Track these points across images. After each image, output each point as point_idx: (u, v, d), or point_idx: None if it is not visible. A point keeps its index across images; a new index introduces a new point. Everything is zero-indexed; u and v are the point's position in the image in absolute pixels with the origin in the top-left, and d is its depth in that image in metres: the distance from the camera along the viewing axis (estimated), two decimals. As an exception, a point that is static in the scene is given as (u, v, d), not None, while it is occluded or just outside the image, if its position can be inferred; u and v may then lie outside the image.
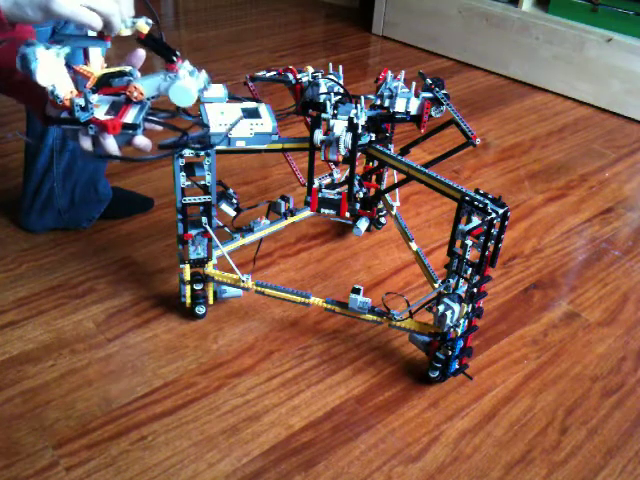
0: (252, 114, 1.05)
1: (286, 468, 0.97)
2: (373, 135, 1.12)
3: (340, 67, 1.20)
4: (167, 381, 1.10)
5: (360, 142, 1.08)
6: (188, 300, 1.21)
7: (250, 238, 1.32)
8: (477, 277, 1.00)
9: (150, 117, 0.82)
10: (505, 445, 1.03)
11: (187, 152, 1.03)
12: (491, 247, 0.97)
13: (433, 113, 1.15)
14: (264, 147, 1.10)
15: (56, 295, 1.26)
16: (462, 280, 1.03)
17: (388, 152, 1.11)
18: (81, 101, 0.76)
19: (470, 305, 1.03)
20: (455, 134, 1.25)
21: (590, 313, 1.31)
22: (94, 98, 0.79)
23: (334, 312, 1.14)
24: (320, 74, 1.15)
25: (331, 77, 1.15)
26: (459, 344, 1.08)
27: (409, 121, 1.16)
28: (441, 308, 1.03)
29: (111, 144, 0.80)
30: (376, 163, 1.35)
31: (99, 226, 1.45)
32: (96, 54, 0.82)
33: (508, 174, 1.77)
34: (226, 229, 1.26)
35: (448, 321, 1.02)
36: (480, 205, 0.95)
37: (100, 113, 0.79)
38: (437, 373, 1.10)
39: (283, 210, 1.35)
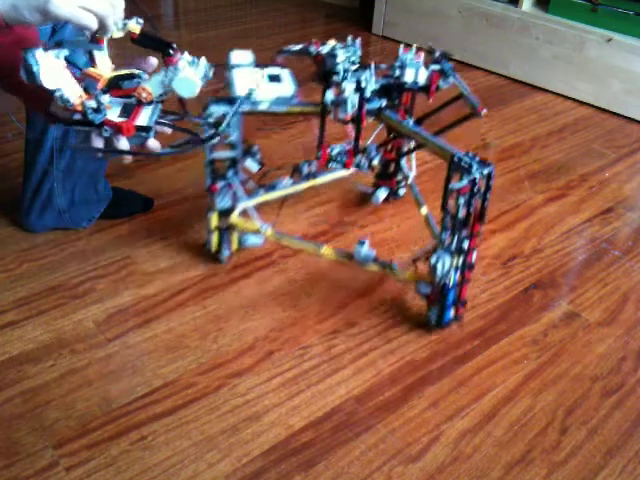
0: (275, 79, 1.16)
1: (286, 468, 0.97)
2: (384, 102, 1.22)
3: (358, 40, 1.22)
4: (167, 381, 1.10)
5: (371, 106, 1.19)
6: (214, 246, 1.33)
7: (272, 195, 1.38)
8: (465, 231, 1.10)
9: (160, 120, 0.83)
10: (505, 445, 1.03)
11: (216, 112, 1.12)
12: (479, 204, 1.07)
13: (441, 84, 1.22)
14: (285, 110, 1.20)
15: (56, 295, 1.26)
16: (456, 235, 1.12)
17: (395, 117, 1.23)
18: (93, 103, 0.77)
19: (461, 258, 1.13)
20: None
21: (590, 313, 1.31)
22: (105, 99, 0.79)
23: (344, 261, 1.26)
24: (339, 46, 1.21)
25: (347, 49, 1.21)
26: (451, 293, 1.17)
27: (418, 91, 1.24)
28: (433, 260, 1.13)
29: (124, 146, 0.81)
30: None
31: (99, 226, 1.45)
32: (103, 56, 0.82)
33: (508, 174, 1.77)
34: (250, 184, 1.33)
35: (439, 272, 1.13)
36: (465, 165, 1.05)
37: (113, 115, 0.80)
38: (434, 318, 1.21)
39: (305, 172, 1.41)
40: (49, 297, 1.26)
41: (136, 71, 0.82)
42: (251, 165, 1.29)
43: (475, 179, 1.04)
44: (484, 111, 1.16)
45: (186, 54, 0.83)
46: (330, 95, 1.17)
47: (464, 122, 1.20)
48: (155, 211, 1.52)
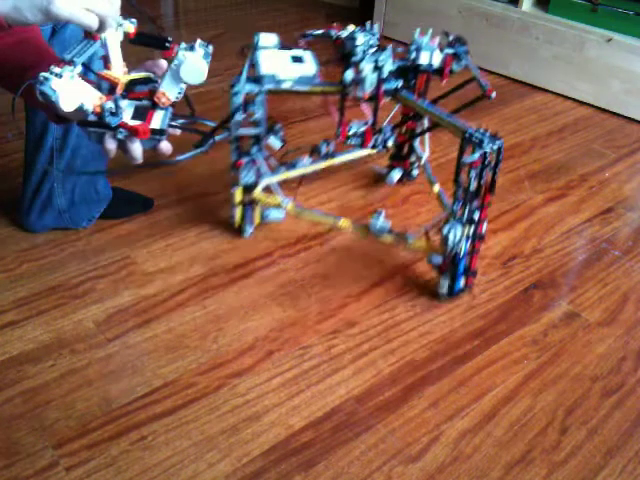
0: (298, 60, 1.25)
1: (286, 468, 0.97)
2: (400, 83, 1.31)
3: (376, 25, 1.31)
4: (167, 381, 1.10)
5: (388, 87, 1.29)
6: (238, 220, 1.42)
7: (293, 173, 1.46)
8: (476, 203, 1.18)
9: (172, 122, 0.83)
10: (505, 445, 1.03)
11: (243, 90, 1.23)
12: (489, 177, 1.15)
13: (454, 67, 1.31)
14: (307, 89, 1.29)
15: (56, 295, 1.26)
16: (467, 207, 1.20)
17: (410, 97, 1.32)
18: (112, 106, 0.77)
19: (472, 228, 1.21)
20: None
21: (590, 313, 1.31)
22: (124, 103, 0.80)
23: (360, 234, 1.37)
24: (358, 30, 1.28)
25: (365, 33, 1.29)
26: (462, 263, 1.24)
27: (432, 73, 1.32)
28: (445, 230, 1.20)
29: (137, 149, 0.81)
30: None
31: (99, 226, 1.45)
32: (117, 58, 0.82)
33: (508, 174, 1.77)
34: (271, 161, 1.40)
35: (450, 241, 1.19)
36: (477, 140, 1.12)
37: (127, 117, 0.80)
38: (444, 288, 1.28)
39: (324, 152, 1.48)
40: (49, 297, 1.26)
41: (151, 75, 0.83)
42: (274, 142, 1.36)
43: (486, 153, 1.12)
44: (493, 94, 1.22)
45: (182, 44, 0.83)
46: (350, 74, 1.24)
47: (475, 104, 1.26)
48: (155, 211, 1.52)
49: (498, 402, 1.10)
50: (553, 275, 1.41)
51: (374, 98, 1.28)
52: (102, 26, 0.76)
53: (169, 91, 0.82)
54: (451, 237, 1.19)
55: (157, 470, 0.96)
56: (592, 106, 2.19)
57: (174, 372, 1.12)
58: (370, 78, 1.24)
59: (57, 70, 0.75)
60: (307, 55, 1.28)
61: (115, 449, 0.98)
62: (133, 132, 0.80)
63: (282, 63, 1.24)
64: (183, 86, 0.83)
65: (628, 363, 1.20)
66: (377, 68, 1.23)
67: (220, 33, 2.63)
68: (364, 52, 1.23)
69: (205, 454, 0.99)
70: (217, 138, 0.86)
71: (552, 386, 1.14)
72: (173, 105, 0.84)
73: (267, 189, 1.39)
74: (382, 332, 1.23)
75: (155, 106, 0.82)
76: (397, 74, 1.29)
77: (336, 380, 1.12)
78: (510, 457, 1.01)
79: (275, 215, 1.45)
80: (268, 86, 1.24)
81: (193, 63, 0.80)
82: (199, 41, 0.84)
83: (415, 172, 1.67)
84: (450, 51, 1.30)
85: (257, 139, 1.33)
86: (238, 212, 1.41)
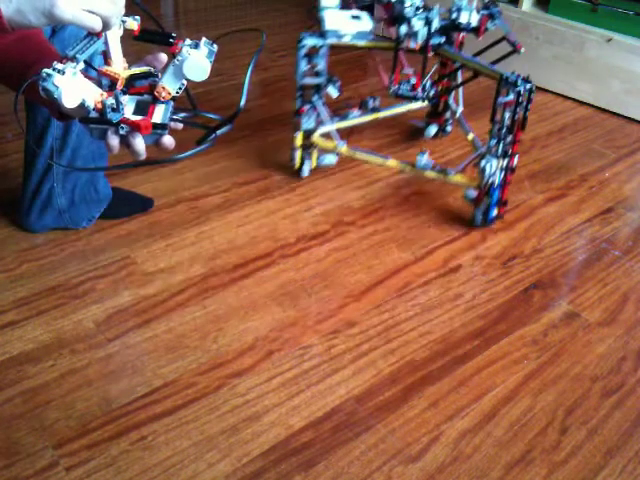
0: (356, 18, 1.47)
1: (286, 468, 0.97)
2: (443, 39, 1.51)
3: None
4: (167, 381, 1.10)
5: (433, 41, 1.49)
6: (297, 162, 1.62)
7: (344, 123, 1.68)
8: (510, 138, 1.37)
9: (173, 117, 0.83)
10: (505, 445, 1.03)
11: (309, 43, 1.48)
12: (521, 115, 1.34)
13: (489, 25, 1.50)
14: (363, 44, 1.52)
15: (56, 295, 1.26)
16: (501, 144, 1.39)
17: (452, 50, 1.53)
18: (113, 102, 0.77)
19: (505, 161, 1.41)
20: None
21: (590, 313, 1.31)
22: (125, 99, 0.80)
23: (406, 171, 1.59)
24: None
25: None
26: (496, 193, 1.45)
27: (469, 31, 1.51)
28: (482, 163, 1.40)
29: (140, 144, 0.81)
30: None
31: (99, 226, 1.45)
32: (117, 54, 0.82)
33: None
34: (326, 114, 1.59)
35: (487, 173, 1.39)
36: (511, 81, 1.33)
37: (128, 113, 0.80)
38: (479, 218, 1.50)
39: (371, 106, 1.69)
40: (49, 297, 1.26)
41: (152, 69, 0.83)
42: (332, 91, 1.57)
43: (520, 92, 1.31)
44: (522, 49, 1.45)
45: (187, 40, 0.83)
46: (404, 29, 1.45)
47: (507, 58, 1.46)
48: (155, 211, 1.52)
49: (498, 402, 1.10)
50: (553, 275, 1.41)
51: (423, 50, 1.49)
52: (106, 27, 0.77)
53: (169, 85, 0.82)
54: (487, 169, 1.39)
55: (157, 470, 0.96)
56: (592, 106, 2.19)
57: (174, 372, 1.12)
58: (421, 32, 1.45)
59: (60, 66, 0.75)
60: (364, 14, 1.48)
61: (115, 449, 0.98)
62: (135, 127, 0.80)
63: (343, 20, 1.46)
64: (184, 81, 0.83)
65: (628, 363, 1.20)
66: (427, 24, 1.44)
67: (220, 33, 2.63)
68: (415, 11, 1.44)
69: (205, 454, 0.99)
70: (219, 132, 0.85)
71: (552, 386, 1.14)
72: (174, 99, 0.84)
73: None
74: (382, 332, 1.23)
75: (156, 100, 0.82)
76: (441, 32, 1.50)
77: (336, 380, 1.12)
78: (510, 457, 1.01)
79: (329, 160, 1.65)
80: (331, 40, 1.48)
81: (196, 60, 0.80)
82: (204, 39, 0.84)
83: (449, 128, 1.90)
84: (485, 12, 1.48)
85: (318, 88, 1.56)
86: (298, 155, 1.62)
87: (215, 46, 0.84)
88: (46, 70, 0.74)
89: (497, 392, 1.12)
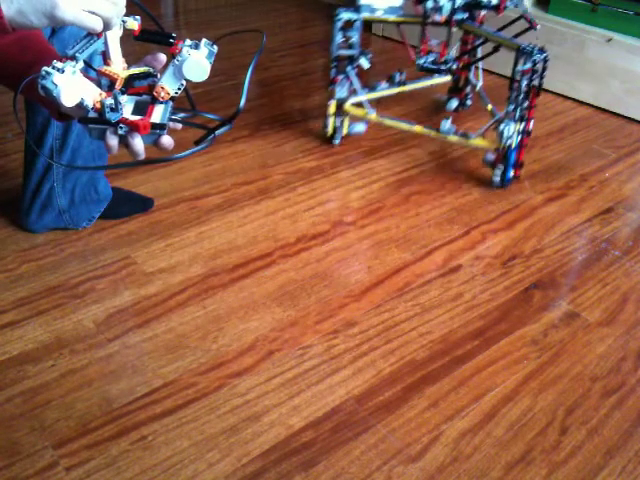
0: None
1: (286, 468, 0.97)
2: (466, 15, 1.67)
3: None
4: (167, 381, 1.10)
5: (457, 17, 1.65)
6: (330, 129, 1.78)
7: (374, 94, 1.81)
8: (527, 103, 1.54)
9: (172, 117, 0.83)
10: (505, 445, 1.03)
11: (344, 16, 1.65)
12: (537, 83, 1.52)
13: (508, 4, 1.66)
14: (393, 18, 1.70)
15: (56, 295, 1.26)
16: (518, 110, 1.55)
17: (473, 24, 1.69)
18: (112, 102, 0.77)
19: (522, 125, 1.56)
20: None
21: (590, 313, 1.31)
22: (123, 99, 0.80)
23: (431, 135, 1.73)
24: None
25: None
26: (513, 155, 1.61)
27: (490, 8, 1.66)
28: (501, 126, 1.56)
29: (139, 144, 0.81)
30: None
31: (99, 226, 1.45)
32: (117, 54, 0.82)
33: (508, 174, 1.77)
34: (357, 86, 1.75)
35: (505, 136, 1.55)
36: (528, 50, 1.50)
37: (127, 113, 0.80)
38: (497, 179, 1.65)
39: (397, 80, 1.86)
40: (49, 297, 1.26)
41: (151, 70, 0.83)
42: (364, 63, 1.72)
43: (536, 60, 1.50)
44: (538, 26, 1.65)
45: (187, 40, 0.83)
46: (430, 3, 1.61)
47: (524, 34, 1.65)
48: (155, 211, 1.52)
49: (498, 402, 1.10)
50: (553, 275, 1.41)
51: (447, 23, 1.65)
52: (106, 27, 0.77)
53: (168, 85, 0.82)
54: (505, 132, 1.55)
55: (157, 470, 0.96)
56: (592, 106, 2.19)
57: (174, 372, 1.12)
58: (446, 6, 1.62)
59: (59, 65, 0.75)
60: None
61: (115, 449, 0.98)
62: (134, 127, 0.80)
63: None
64: (183, 82, 0.83)
65: (628, 363, 1.20)
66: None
67: (220, 33, 2.63)
68: None
69: (205, 454, 0.99)
70: (217, 133, 0.85)
71: (552, 386, 1.14)
72: (173, 99, 0.84)
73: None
74: (382, 332, 1.23)
75: (155, 100, 0.82)
76: (464, 8, 1.66)
77: (336, 380, 1.12)
78: (510, 457, 1.01)
79: (358, 128, 1.80)
80: (364, 14, 1.65)
81: (196, 61, 0.80)
82: (204, 40, 0.84)
83: (469, 102, 2.07)
84: None
85: (351, 59, 1.70)
86: (331, 123, 1.77)
87: (215, 47, 0.84)
88: (45, 68, 0.74)
89: (497, 392, 1.12)
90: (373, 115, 1.71)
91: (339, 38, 1.66)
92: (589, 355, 1.21)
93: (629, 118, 2.12)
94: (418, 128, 1.70)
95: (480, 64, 1.91)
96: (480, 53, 1.83)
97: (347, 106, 1.74)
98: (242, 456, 0.99)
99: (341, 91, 1.72)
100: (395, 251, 1.45)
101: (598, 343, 1.24)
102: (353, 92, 1.74)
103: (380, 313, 1.27)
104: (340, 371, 1.14)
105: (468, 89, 2.04)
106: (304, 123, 1.95)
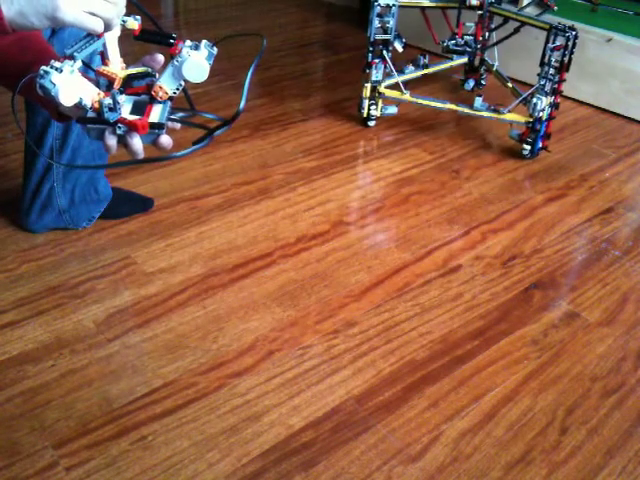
0: None
1: (286, 468, 0.97)
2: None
3: None
4: (167, 381, 1.10)
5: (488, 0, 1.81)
6: (365, 111, 1.89)
7: (403, 77, 1.95)
8: (557, 77, 1.68)
9: (171, 116, 0.83)
10: (505, 445, 1.03)
11: (382, 2, 1.75)
12: (567, 59, 1.65)
13: None
14: (428, 3, 1.85)
15: (56, 295, 1.26)
16: (548, 84, 1.70)
17: (501, 7, 1.85)
18: (110, 102, 0.77)
19: (552, 97, 1.71)
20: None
21: (590, 313, 1.31)
22: (122, 99, 0.80)
23: (463, 113, 1.86)
24: None
25: None
26: (543, 126, 1.76)
27: None
28: (534, 99, 1.70)
29: (137, 143, 0.81)
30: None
31: (99, 226, 1.45)
32: (115, 54, 0.82)
33: (508, 174, 1.77)
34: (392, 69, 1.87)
35: (538, 108, 1.70)
36: (560, 28, 1.64)
37: (125, 113, 0.80)
38: (527, 150, 1.79)
39: (421, 63, 2.03)
40: (49, 297, 1.26)
41: (150, 70, 0.83)
42: (398, 46, 1.83)
43: (569, 37, 1.62)
44: (555, 7, 1.86)
45: (187, 41, 0.83)
46: None
47: (543, 14, 1.86)
48: (155, 211, 1.52)
49: (498, 402, 1.10)
50: (553, 275, 1.41)
51: (481, 7, 1.80)
52: (107, 28, 0.77)
53: (167, 85, 0.82)
54: (538, 105, 1.69)
55: (157, 470, 0.96)
56: (592, 106, 2.19)
57: (174, 372, 1.12)
58: None
59: (57, 64, 0.75)
60: None
61: (115, 449, 0.98)
62: (132, 127, 0.80)
63: None
64: (182, 82, 0.83)
65: (628, 363, 1.20)
66: None
67: (220, 34, 2.63)
68: None
69: (205, 454, 0.99)
70: (217, 133, 0.85)
71: (552, 386, 1.14)
72: (172, 99, 0.84)
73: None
74: (382, 332, 1.23)
75: (153, 100, 0.82)
76: None
77: (336, 380, 1.12)
78: (510, 457, 1.01)
79: (391, 110, 1.92)
80: (401, 1, 1.79)
81: (196, 62, 0.80)
82: (205, 41, 0.84)
83: (483, 82, 2.22)
84: None
85: (386, 43, 1.80)
86: (366, 105, 1.88)
87: (215, 49, 0.84)
88: (44, 68, 0.74)
89: (497, 392, 1.12)
90: (407, 95, 1.83)
91: (377, 23, 1.76)
92: (589, 355, 1.21)
93: (629, 118, 2.12)
94: (451, 105, 1.82)
95: (495, 48, 2.06)
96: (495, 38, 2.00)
97: (382, 88, 1.85)
98: (242, 456, 0.99)
99: (376, 74, 1.83)
100: (395, 251, 1.45)
101: (598, 343, 1.24)
102: (389, 74, 1.86)
103: (380, 313, 1.27)
104: (340, 371, 1.14)
105: (482, 69, 2.18)
106: (304, 123, 1.95)
